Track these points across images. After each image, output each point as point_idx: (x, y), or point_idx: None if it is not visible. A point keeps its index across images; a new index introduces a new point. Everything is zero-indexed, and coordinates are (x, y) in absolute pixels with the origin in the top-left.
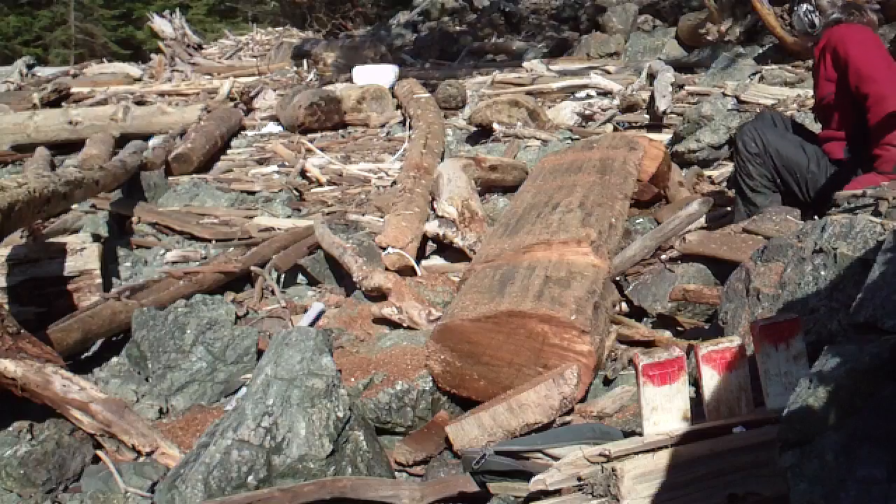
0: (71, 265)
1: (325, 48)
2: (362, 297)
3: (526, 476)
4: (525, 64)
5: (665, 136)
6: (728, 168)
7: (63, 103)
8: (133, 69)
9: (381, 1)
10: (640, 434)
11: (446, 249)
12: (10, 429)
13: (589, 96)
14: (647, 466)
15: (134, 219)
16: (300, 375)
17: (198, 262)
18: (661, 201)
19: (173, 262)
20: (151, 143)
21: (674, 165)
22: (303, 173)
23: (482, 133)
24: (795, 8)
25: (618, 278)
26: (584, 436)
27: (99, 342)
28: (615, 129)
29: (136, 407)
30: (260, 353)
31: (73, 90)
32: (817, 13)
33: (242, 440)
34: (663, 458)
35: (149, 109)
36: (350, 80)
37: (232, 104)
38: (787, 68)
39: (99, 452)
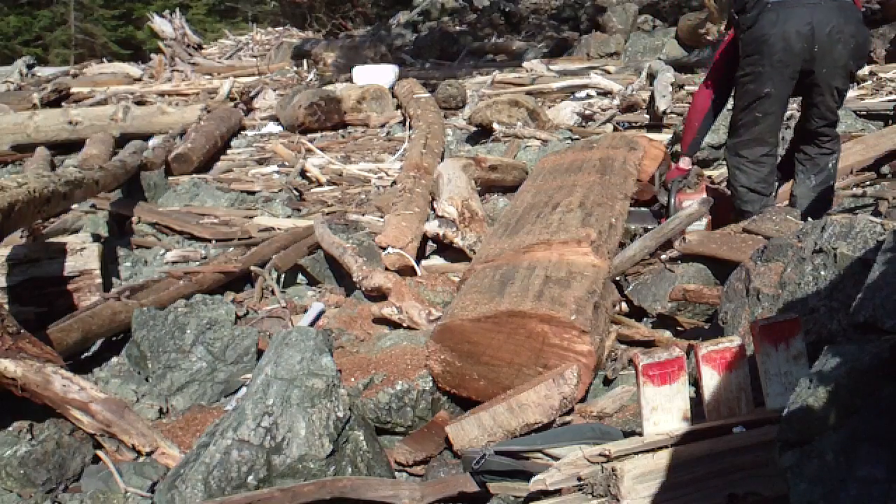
0: (71, 265)
1: (325, 48)
2: (362, 297)
3: (526, 476)
4: (525, 64)
5: (665, 136)
6: None
7: (63, 103)
8: (133, 69)
9: (381, 1)
10: (640, 434)
11: (446, 249)
12: (10, 429)
13: (589, 96)
14: (647, 466)
15: (134, 219)
16: (300, 375)
17: (198, 262)
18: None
19: (173, 262)
20: (151, 143)
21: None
22: (303, 173)
23: (482, 133)
24: None
25: (618, 278)
26: (584, 436)
27: (99, 342)
28: (615, 129)
29: (136, 407)
30: (260, 353)
31: (73, 90)
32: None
33: (242, 440)
34: (663, 458)
35: (149, 109)
36: (350, 80)
37: (232, 104)
38: None
39: (99, 452)
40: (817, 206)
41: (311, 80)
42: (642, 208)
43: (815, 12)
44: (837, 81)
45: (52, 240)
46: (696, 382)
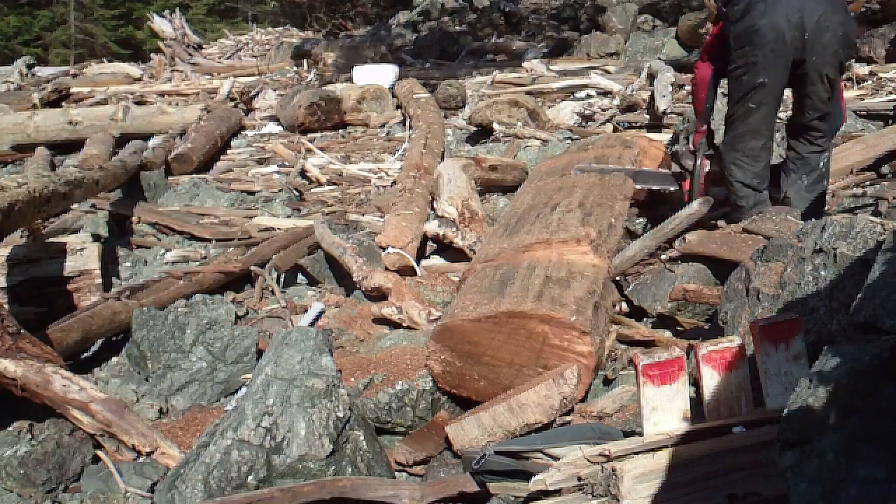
0: (71, 265)
1: (325, 48)
2: (362, 297)
3: (526, 476)
4: (525, 64)
5: (665, 136)
6: None
7: (63, 103)
8: (133, 69)
9: (381, 1)
10: (640, 434)
11: (446, 249)
12: (10, 429)
13: (589, 96)
14: (647, 466)
15: (134, 219)
16: (300, 375)
17: (198, 262)
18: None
19: (173, 262)
20: (151, 143)
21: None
22: (303, 173)
23: (482, 133)
24: None
25: (618, 278)
26: (584, 436)
27: (99, 342)
28: (615, 129)
29: (136, 407)
30: (260, 353)
31: (73, 90)
32: None
33: (242, 440)
34: (663, 458)
35: (149, 109)
36: (350, 80)
37: (232, 104)
38: None
39: (99, 452)
40: (812, 207)
41: (311, 80)
42: (661, 170)
43: (803, 1)
44: (828, 70)
45: (52, 240)
46: (696, 382)
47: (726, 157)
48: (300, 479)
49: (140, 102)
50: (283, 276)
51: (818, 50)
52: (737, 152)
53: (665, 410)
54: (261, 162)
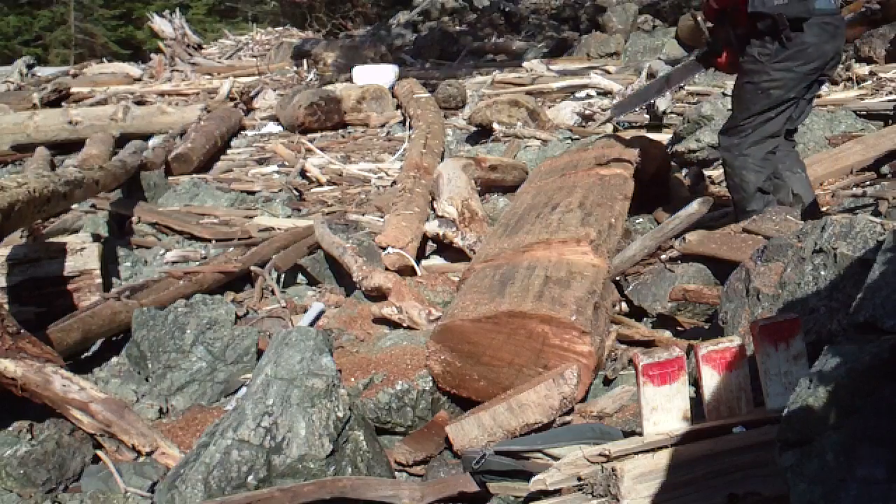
0: (71, 265)
1: (325, 48)
2: (362, 297)
3: (526, 476)
4: (525, 64)
5: (665, 136)
6: None
7: (63, 103)
8: (133, 69)
9: (381, 1)
10: (640, 434)
11: (446, 249)
12: (10, 429)
13: (589, 96)
14: (647, 466)
15: (134, 219)
16: (300, 375)
17: (198, 262)
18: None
19: (173, 262)
20: (151, 143)
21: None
22: (303, 173)
23: (482, 133)
24: None
25: (618, 278)
26: (584, 436)
27: (99, 342)
28: (615, 130)
29: (136, 407)
30: (260, 353)
31: (73, 90)
32: None
33: (242, 440)
34: (663, 458)
35: (149, 109)
36: (350, 80)
37: (232, 104)
38: None
39: (99, 452)
40: (811, 198)
41: (311, 80)
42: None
43: (838, 20)
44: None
45: (52, 240)
46: (696, 382)
47: (735, 162)
48: (300, 479)
49: (140, 102)
50: (283, 276)
51: (838, 62)
52: (746, 157)
53: (665, 410)
54: (261, 162)
